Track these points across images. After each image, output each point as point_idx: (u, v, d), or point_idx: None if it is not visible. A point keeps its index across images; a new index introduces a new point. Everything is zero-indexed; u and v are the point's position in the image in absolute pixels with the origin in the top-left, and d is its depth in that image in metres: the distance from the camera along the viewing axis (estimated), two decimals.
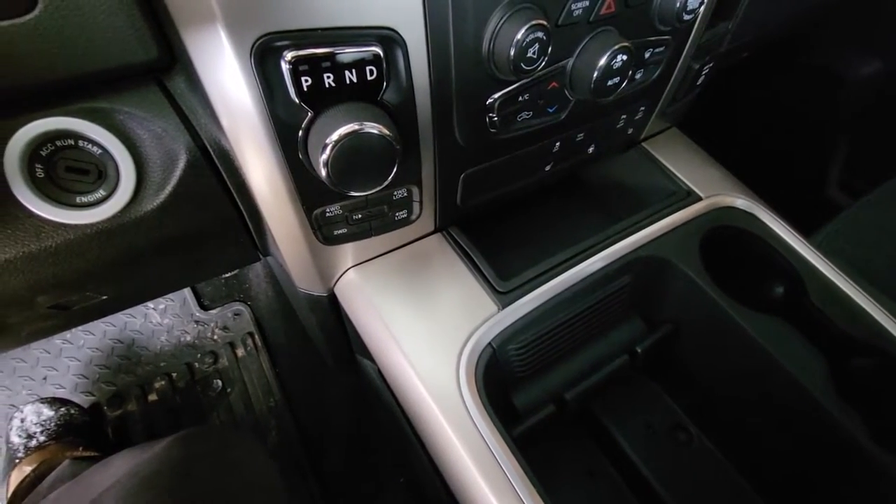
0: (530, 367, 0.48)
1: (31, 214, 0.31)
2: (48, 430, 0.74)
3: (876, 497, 0.43)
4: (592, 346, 0.53)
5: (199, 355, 0.96)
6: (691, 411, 0.58)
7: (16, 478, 0.69)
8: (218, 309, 1.01)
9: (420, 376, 0.41)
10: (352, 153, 0.30)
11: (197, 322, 0.99)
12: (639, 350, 0.52)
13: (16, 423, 0.75)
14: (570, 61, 0.37)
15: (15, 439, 0.74)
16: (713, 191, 0.56)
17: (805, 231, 0.54)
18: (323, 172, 0.31)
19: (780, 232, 0.53)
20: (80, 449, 0.72)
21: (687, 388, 0.58)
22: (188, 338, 0.98)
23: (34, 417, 0.75)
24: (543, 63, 0.34)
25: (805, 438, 0.46)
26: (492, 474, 0.37)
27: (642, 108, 0.51)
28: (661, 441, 0.56)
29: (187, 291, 1.01)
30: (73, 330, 0.95)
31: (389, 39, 0.30)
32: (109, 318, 0.97)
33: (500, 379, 0.47)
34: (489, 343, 0.43)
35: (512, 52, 0.32)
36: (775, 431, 0.48)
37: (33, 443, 0.73)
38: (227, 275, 1.04)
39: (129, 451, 0.45)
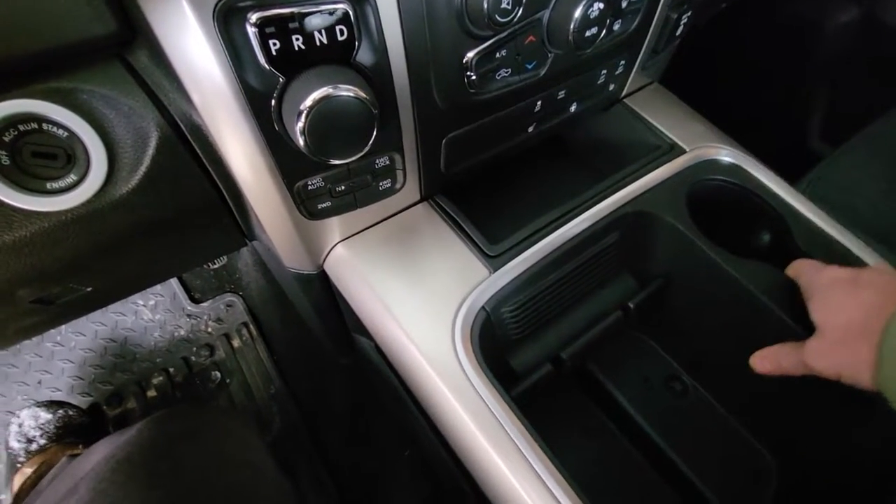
0: (525, 328, 0.49)
1: (0, 204, 0.30)
2: (47, 432, 0.74)
3: (872, 434, 0.45)
4: (585, 305, 0.54)
5: (194, 349, 0.95)
6: (685, 362, 0.59)
7: (18, 480, 0.69)
8: (209, 301, 1.00)
9: (416, 345, 0.41)
10: (328, 119, 0.29)
11: (189, 316, 0.98)
12: (631, 305, 0.52)
13: (13, 428, 0.75)
14: (546, 13, 0.36)
15: (14, 444, 0.73)
16: (697, 143, 0.56)
17: (789, 181, 0.54)
18: (301, 141, 0.30)
19: (764, 180, 0.53)
20: (81, 447, 0.72)
21: (680, 340, 0.59)
22: (182, 332, 0.97)
23: (32, 422, 0.75)
24: (519, 14, 0.33)
25: (797, 381, 0.47)
26: (494, 434, 0.38)
27: (622, 62, 0.50)
28: (657, 393, 0.57)
29: (177, 286, 1.00)
30: (64, 332, 0.94)
31: None
32: (100, 318, 0.96)
33: (497, 342, 0.47)
34: (482, 307, 0.43)
35: (486, 3, 0.31)
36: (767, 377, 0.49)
37: (33, 446, 0.73)
38: (215, 266, 1.03)
39: (107, 438, 0.45)
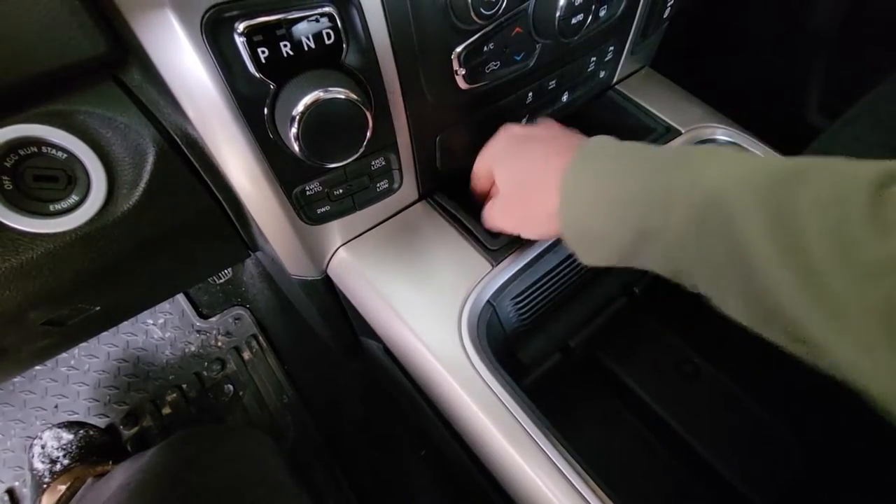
0: (531, 318, 0.49)
1: (5, 228, 0.31)
2: (70, 452, 0.75)
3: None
4: (591, 292, 0.54)
5: (206, 363, 0.96)
6: (694, 343, 0.59)
7: (48, 500, 0.70)
8: (217, 316, 1.01)
9: (424, 344, 0.41)
10: (321, 122, 0.30)
11: (198, 331, 0.99)
12: (636, 290, 0.52)
13: (37, 450, 0.76)
14: (531, 3, 0.36)
15: (39, 465, 0.74)
16: (693, 124, 0.55)
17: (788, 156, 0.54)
18: (296, 147, 0.30)
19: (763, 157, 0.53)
20: (111, 463, 0.73)
21: (688, 322, 0.58)
22: (192, 348, 0.98)
23: (54, 443, 0.76)
24: (503, 5, 0.33)
25: None
26: (508, 427, 0.38)
27: (611, 48, 0.50)
28: (668, 377, 0.57)
29: (184, 302, 1.01)
30: (77, 355, 0.95)
31: None
32: (111, 339, 0.97)
33: (504, 335, 0.47)
34: (487, 300, 0.43)
35: None
36: (780, 351, 0.49)
37: (58, 467, 0.73)
38: (221, 280, 1.04)
39: (124, 464, 0.45)
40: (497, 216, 0.41)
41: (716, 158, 0.29)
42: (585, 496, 0.33)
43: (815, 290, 0.23)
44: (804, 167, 0.25)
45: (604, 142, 0.35)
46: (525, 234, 0.40)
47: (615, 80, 0.58)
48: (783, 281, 0.24)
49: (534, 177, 0.37)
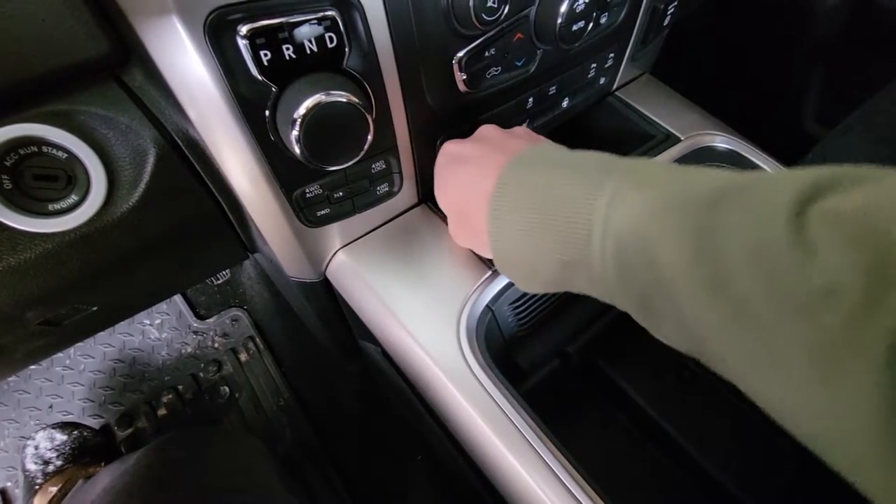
0: (530, 324, 0.49)
1: (3, 227, 0.30)
2: (63, 454, 0.74)
3: None
4: (589, 298, 0.54)
5: (202, 365, 0.95)
6: None
7: (40, 501, 0.69)
8: (215, 317, 1.00)
9: (423, 348, 0.41)
10: (323, 125, 0.30)
11: (195, 332, 0.99)
12: None
13: (30, 450, 0.75)
14: (533, 10, 0.37)
15: (31, 466, 0.74)
16: (692, 131, 0.56)
17: (785, 164, 0.54)
18: (296, 149, 0.31)
19: (761, 164, 0.53)
20: (102, 464, 0.72)
21: None
22: (189, 349, 0.97)
23: (47, 444, 0.75)
24: (505, 12, 0.33)
25: None
26: (505, 432, 0.37)
27: (612, 55, 0.50)
28: (666, 383, 0.57)
29: (181, 303, 1.01)
30: (73, 355, 0.95)
31: (345, 2, 0.29)
32: (107, 339, 0.96)
33: (503, 340, 0.47)
34: (486, 305, 0.43)
35: (472, 3, 0.31)
36: None
37: (50, 468, 0.73)
38: (218, 281, 1.04)
39: (109, 467, 0.45)
40: (455, 235, 0.41)
41: (636, 178, 0.27)
42: (582, 501, 0.33)
43: (742, 324, 0.21)
44: (724, 189, 0.23)
45: (527, 160, 0.33)
46: (482, 254, 0.39)
47: (615, 86, 0.58)
48: (709, 314, 0.22)
49: (466, 202, 0.36)
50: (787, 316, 0.19)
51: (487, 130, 0.39)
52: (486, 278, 0.44)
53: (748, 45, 1.01)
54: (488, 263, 0.44)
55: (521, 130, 0.39)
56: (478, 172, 0.35)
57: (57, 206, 0.32)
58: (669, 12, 0.52)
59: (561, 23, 0.36)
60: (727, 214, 0.22)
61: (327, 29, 0.29)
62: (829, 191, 0.20)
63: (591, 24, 0.39)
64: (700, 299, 0.22)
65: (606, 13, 0.42)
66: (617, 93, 0.59)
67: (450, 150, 0.40)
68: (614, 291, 0.28)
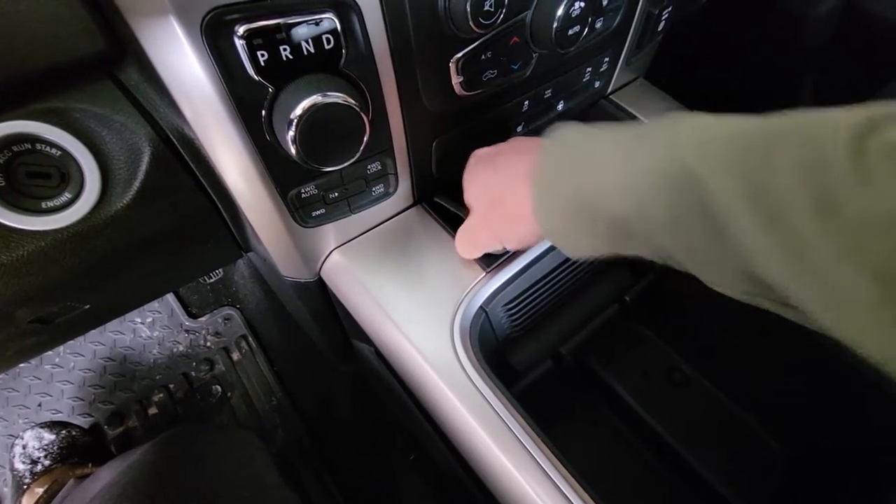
0: (523, 325, 0.49)
1: None
2: (51, 453, 0.74)
3: (880, 422, 0.45)
4: (582, 300, 0.54)
5: (194, 364, 0.95)
6: (685, 352, 0.59)
7: (27, 501, 0.69)
8: (207, 316, 1.00)
9: (416, 348, 0.41)
10: (319, 126, 0.30)
11: (187, 331, 0.98)
12: (628, 298, 0.53)
13: (17, 450, 0.74)
14: (529, 13, 0.37)
15: (20, 466, 0.73)
16: None
17: None
18: (292, 150, 0.31)
19: None
20: (90, 465, 0.71)
21: (678, 330, 0.59)
22: (181, 348, 0.96)
23: (35, 443, 0.74)
24: (501, 16, 0.34)
25: (799, 363, 0.48)
26: (498, 432, 0.38)
27: (606, 59, 0.51)
28: (658, 385, 0.58)
29: (174, 301, 1.00)
30: (63, 353, 0.94)
31: (342, 4, 0.29)
32: (98, 338, 0.96)
33: (496, 341, 0.47)
34: (480, 306, 0.43)
35: (468, 6, 0.31)
36: (769, 358, 0.50)
37: (38, 468, 0.72)
38: (211, 280, 1.03)
39: (113, 461, 0.45)
40: (471, 233, 0.41)
41: (681, 129, 0.27)
42: (573, 501, 0.34)
43: (800, 256, 0.21)
44: (776, 129, 0.24)
45: (567, 133, 0.33)
46: (507, 243, 0.39)
47: (609, 90, 0.58)
48: (766, 251, 0.23)
49: (499, 186, 0.37)
50: (846, 243, 0.20)
51: (513, 139, 0.41)
52: (481, 280, 0.44)
53: (741, 50, 1.02)
54: (483, 265, 0.45)
55: None
56: (512, 156, 0.37)
57: (50, 204, 0.32)
58: (664, 18, 0.53)
59: (557, 27, 0.37)
60: (784, 152, 0.22)
61: (325, 30, 0.29)
62: (885, 126, 0.20)
63: (586, 29, 0.39)
64: (756, 239, 0.23)
65: (602, 18, 0.43)
66: (611, 96, 0.60)
67: (479, 153, 0.41)
68: (670, 246, 0.28)
